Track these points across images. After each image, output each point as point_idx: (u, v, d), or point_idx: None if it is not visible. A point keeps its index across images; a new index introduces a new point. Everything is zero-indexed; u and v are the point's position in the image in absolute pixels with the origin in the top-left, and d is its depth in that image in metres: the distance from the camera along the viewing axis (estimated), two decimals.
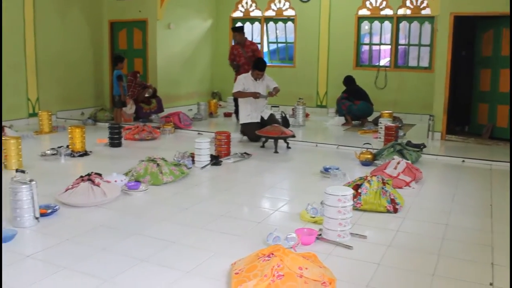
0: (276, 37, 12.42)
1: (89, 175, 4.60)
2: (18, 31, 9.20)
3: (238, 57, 8.88)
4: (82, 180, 4.55)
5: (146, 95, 9.81)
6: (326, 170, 5.62)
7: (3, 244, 3.55)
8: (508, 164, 5.98)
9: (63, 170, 5.98)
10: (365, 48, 11.41)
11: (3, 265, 3.23)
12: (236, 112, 8.84)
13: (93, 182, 4.50)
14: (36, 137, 8.01)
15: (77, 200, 4.37)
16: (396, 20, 10.73)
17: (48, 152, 6.47)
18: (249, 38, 12.42)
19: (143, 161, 5.33)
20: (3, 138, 6.03)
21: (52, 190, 4.69)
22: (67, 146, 6.63)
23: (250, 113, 7.67)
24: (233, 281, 2.93)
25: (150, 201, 4.66)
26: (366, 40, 11.34)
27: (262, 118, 7.71)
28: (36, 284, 2.99)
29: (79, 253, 3.45)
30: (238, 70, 8.80)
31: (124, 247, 3.56)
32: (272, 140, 6.96)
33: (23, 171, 4.01)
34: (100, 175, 4.67)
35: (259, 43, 12.16)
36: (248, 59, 8.69)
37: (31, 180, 3.95)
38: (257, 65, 7.60)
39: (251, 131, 7.46)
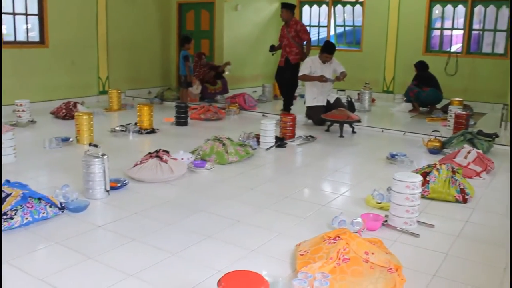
0: (344, 21, 12.20)
1: (157, 152, 4.71)
2: (91, 13, 9.53)
3: (282, 37, 8.48)
4: (151, 156, 4.66)
5: (226, 72, 9.87)
6: (392, 156, 5.51)
7: (77, 214, 3.71)
8: None
9: (131, 146, 6.16)
10: (436, 33, 11.03)
11: (76, 233, 3.38)
12: (287, 95, 8.69)
13: (161, 158, 4.60)
14: (105, 114, 8.26)
15: (145, 175, 4.48)
16: (471, 4, 10.30)
17: (117, 128, 6.68)
18: (315, 21, 12.30)
19: (209, 140, 5.40)
20: (76, 114, 6.27)
21: (121, 165, 4.83)
22: (135, 124, 6.81)
23: (316, 96, 7.60)
24: (298, 262, 2.94)
25: (216, 180, 4.73)
26: (437, 24, 10.95)
27: (328, 101, 7.62)
28: (108, 253, 3.11)
29: (147, 226, 3.54)
30: (273, 50, 8.62)
31: (190, 223, 3.63)
32: (337, 124, 6.89)
33: (96, 145, 4.14)
34: (167, 152, 4.77)
35: (325, 26, 12.00)
36: (291, 39, 8.29)
37: (103, 154, 4.08)
38: (326, 48, 7.49)
39: (317, 115, 7.39)
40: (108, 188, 4.10)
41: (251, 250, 3.19)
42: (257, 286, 2.05)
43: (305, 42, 8.38)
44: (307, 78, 7.54)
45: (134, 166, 4.63)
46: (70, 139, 6.11)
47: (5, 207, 3.41)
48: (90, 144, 4.24)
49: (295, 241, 3.26)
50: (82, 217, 3.68)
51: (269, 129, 5.96)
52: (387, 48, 11.18)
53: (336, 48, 7.78)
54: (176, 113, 7.31)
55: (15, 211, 3.41)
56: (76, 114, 6.26)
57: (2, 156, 5.15)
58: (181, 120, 7.28)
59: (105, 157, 4.07)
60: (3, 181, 3.78)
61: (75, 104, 7.90)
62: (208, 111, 7.86)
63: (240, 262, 3.02)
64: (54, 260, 3.03)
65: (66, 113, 7.75)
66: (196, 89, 9.57)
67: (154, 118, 6.98)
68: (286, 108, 8.53)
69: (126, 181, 4.38)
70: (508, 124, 7.47)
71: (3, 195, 3.52)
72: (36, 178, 4.59)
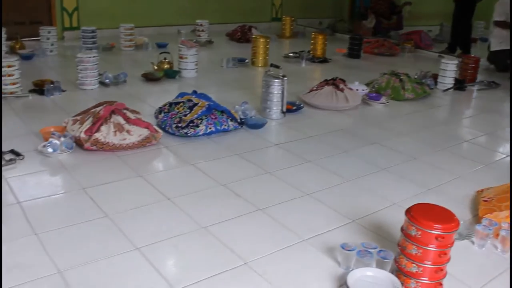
0: None
1: (333, 79, 4.66)
2: None
3: None
4: (327, 83, 4.63)
5: (405, 13, 9.45)
6: None
7: (254, 130, 3.84)
8: None
9: (304, 73, 6.19)
10: None
11: (254, 148, 3.51)
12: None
13: (337, 87, 4.56)
14: (278, 40, 8.35)
15: (320, 102, 4.48)
16: None
17: (291, 54, 6.73)
18: None
19: (385, 74, 5.22)
20: (253, 36, 6.41)
21: (294, 89, 4.86)
22: (309, 51, 6.80)
23: (503, 40, 6.93)
24: (481, 208, 2.77)
25: (390, 115, 4.59)
26: None
27: None
28: (284, 170, 3.19)
29: (322, 150, 3.56)
30: None
31: (364, 153, 3.58)
32: None
33: (277, 66, 4.20)
34: (343, 81, 4.70)
35: None
36: None
37: (283, 76, 4.13)
38: None
39: (502, 60, 6.76)
40: (284, 110, 4.17)
41: (428, 188, 3.07)
42: (448, 222, 1.96)
43: None
44: (505, 26, 6.80)
45: (310, 91, 4.64)
46: (246, 61, 6.30)
47: (192, 116, 3.63)
48: (271, 65, 4.31)
49: (476, 187, 3.07)
50: (259, 134, 3.81)
51: (450, 69, 5.59)
52: None
53: None
54: (350, 44, 7.16)
55: (201, 120, 3.62)
56: (253, 37, 6.41)
57: (185, 70, 5.48)
58: (354, 52, 7.13)
59: (285, 78, 4.12)
60: (190, 91, 4.03)
61: (250, 28, 8.11)
62: (382, 45, 7.59)
63: (416, 198, 2.92)
64: (235, 169, 3.18)
65: (241, 36, 8.00)
66: (370, 22, 9.26)
67: (327, 48, 6.92)
68: (465, 50, 7.91)
69: (302, 105, 4.42)
70: None
71: (191, 104, 3.74)
72: (215, 93, 4.81)
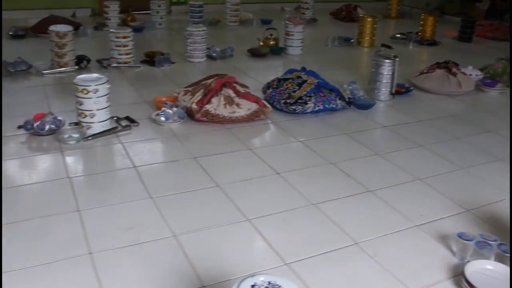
0: None
1: (446, 63, 4.46)
2: None
3: None
4: (439, 67, 4.44)
5: None
6: None
7: (362, 111, 3.77)
8: None
9: (411, 55, 5.98)
10: None
11: (362, 129, 3.44)
12: None
13: (449, 71, 4.35)
14: (383, 20, 8.11)
15: (431, 85, 4.30)
16: None
17: (398, 35, 6.52)
18: None
19: (502, 59, 4.91)
20: (361, 15, 6.27)
21: (402, 71, 4.68)
22: (417, 33, 6.55)
23: None
24: None
25: (506, 103, 4.31)
26: None
27: None
28: (394, 153, 3.11)
29: (432, 135, 3.43)
30: None
31: (479, 141, 3.39)
32: None
33: (389, 47, 4.09)
34: (456, 65, 4.49)
35: None
36: None
37: (395, 56, 4.00)
38: None
39: None
40: (393, 91, 4.05)
41: None
42: None
43: None
44: None
45: (420, 74, 4.47)
46: (352, 40, 6.17)
47: (301, 92, 3.62)
48: (382, 45, 4.19)
49: None
50: (367, 115, 3.73)
51: None
52: None
53: None
54: (461, 27, 6.80)
55: (309, 98, 3.59)
56: (361, 16, 6.27)
57: (291, 47, 5.46)
58: (465, 36, 6.75)
59: (396, 59, 3.99)
60: (300, 67, 4.02)
61: (355, 7, 7.93)
62: (497, 29, 7.14)
63: None
64: (344, 149, 3.14)
65: (346, 15, 7.86)
66: (483, 4, 8.74)
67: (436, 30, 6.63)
68: None
69: (411, 88, 4.27)
70: None
71: (300, 80, 3.72)
72: (320, 72, 4.74)
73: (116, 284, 1.85)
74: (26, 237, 2.10)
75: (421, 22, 6.59)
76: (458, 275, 1.97)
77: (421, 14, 6.73)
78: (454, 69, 4.37)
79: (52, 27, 4.49)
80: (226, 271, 1.94)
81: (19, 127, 3.13)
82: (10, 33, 5.77)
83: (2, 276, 1.82)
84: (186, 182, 2.62)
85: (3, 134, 3.10)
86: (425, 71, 4.47)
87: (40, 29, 5.65)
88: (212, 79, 3.53)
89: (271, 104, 3.64)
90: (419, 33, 6.54)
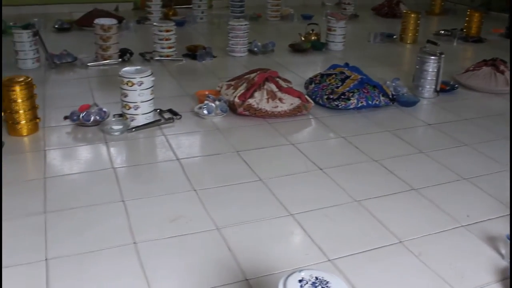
0: None
1: (493, 60, 4.34)
2: None
3: None
4: (485, 64, 4.33)
5: None
6: None
7: (406, 108, 3.71)
8: None
9: (456, 52, 5.83)
10: None
11: (406, 126, 3.39)
12: None
13: (497, 68, 4.24)
14: (426, 16, 7.96)
15: (477, 83, 4.20)
16: None
17: (442, 32, 6.38)
18: None
19: None
20: (404, 11, 6.16)
21: (448, 68, 4.58)
22: (462, 29, 6.40)
23: None
24: None
25: None
26: None
27: None
28: (439, 151, 3.04)
29: (478, 135, 3.33)
30: None
31: None
32: None
33: (435, 43, 4.01)
34: (505, 62, 4.36)
35: None
36: None
37: (440, 53, 3.92)
38: None
39: None
40: (438, 89, 3.97)
41: None
42: None
43: None
44: None
45: (465, 72, 4.37)
46: (394, 36, 6.08)
47: (344, 88, 3.58)
48: (428, 41, 4.11)
49: None
50: (411, 112, 3.67)
51: None
52: None
53: None
54: (509, 24, 6.61)
55: (352, 93, 3.55)
56: (404, 12, 6.17)
57: (333, 43, 5.42)
58: None
59: (442, 56, 3.91)
60: (342, 63, 3.98)
61: (397, 3, 7.81)
62: None
63: None
64: (387, 146, 3.09)
65: (388, 11, 7.75)
66: None
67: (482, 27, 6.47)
68: None
69: (456, 86, 4.18)
70: None
71: (343, 76, 3.69)
72: (362, 68, 4.68)
73: (160, 273, 1.87)
74: (73, 225, 2.14)
75: (466, 19, 6.42)
76: (506, 278, 1.92)
77: (466, 10, 6.57)
78: (502, 67, 4.25)
79: (97, 20, 4.57)
80: (269, 265, 1.93)
81: (65, 117, 3.19)
82: (56, 26, 5.90)
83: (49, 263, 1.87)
84: (229, 175, 2.63)
85: (49, 124, 3.18)
86: (471, 68, 4.36)
87: (85, 23, 5.76)
88: (254, 74, 3.53)
89: (314, 100, 3.61)
90: (464, 30, 6.38)
